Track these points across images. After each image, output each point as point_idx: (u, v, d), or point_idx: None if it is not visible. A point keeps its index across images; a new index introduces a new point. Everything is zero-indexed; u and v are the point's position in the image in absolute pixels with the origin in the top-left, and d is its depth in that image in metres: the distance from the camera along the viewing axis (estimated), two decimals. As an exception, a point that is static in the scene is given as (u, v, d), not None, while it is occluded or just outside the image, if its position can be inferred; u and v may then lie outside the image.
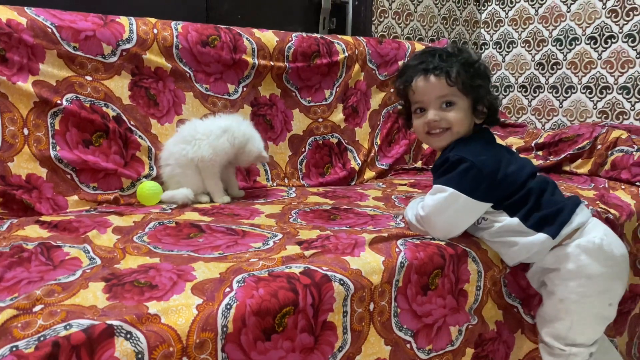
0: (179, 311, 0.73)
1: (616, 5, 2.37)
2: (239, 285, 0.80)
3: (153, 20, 1.57)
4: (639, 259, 1.51)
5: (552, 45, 2.62)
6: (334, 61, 1.91)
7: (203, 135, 1.39)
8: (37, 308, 0.71)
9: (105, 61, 1.46)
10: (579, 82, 2.53)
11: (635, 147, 1.79)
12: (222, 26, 1.71)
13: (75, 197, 1.35)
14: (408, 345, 0.99)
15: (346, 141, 1.93)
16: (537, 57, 2.69)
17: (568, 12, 2.54)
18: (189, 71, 1.60)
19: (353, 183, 1.89)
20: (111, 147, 1.42)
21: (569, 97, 2.58)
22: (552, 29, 2.61)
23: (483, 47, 2.93)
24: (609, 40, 2.41)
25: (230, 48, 1.67)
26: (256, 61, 1.72)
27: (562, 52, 2.58)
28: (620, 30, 2.37)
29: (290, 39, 1.82)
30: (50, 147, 1.33)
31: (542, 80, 2.68)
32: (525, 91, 2.76)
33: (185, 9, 1.94)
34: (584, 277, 1.03)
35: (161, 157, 1.45)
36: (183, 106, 1.59)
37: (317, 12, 2.31)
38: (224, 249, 0.98)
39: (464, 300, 1.07)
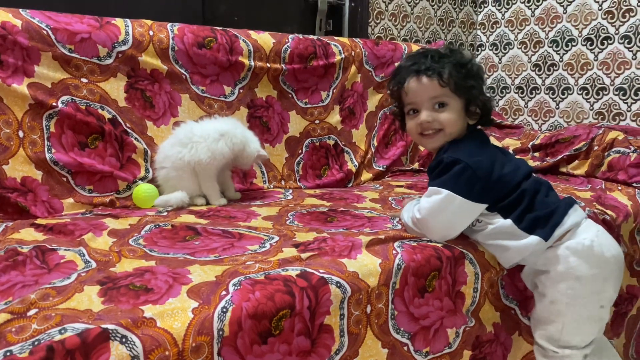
0: (174, 315, 0.73)
1: (612, 7, 2.37)
2: (235, 288, 0.80)
3: (149, 22, 1.57)
4: (636, 261, 1.51)
5: (549, 47, 2.62)
6: (330, 63, 1.91)
7: (200, 138, 1.38)
8: (32, 312, 0.71)
9: (100, 63, 1.45)
10: (576, 83, 2.53)
11: (632, 148, 1.79)
12: (218, 28, 1.71)
13: (71, 200, 1.34)
14: (405, 348, 0.98)
15: (343, 143, 1.93)
16: (534, 59, 2.69)
17: (564, 13, 2.55)
18: (185, 73, 1.60)
19: (350, 185, 1.88)
20: (107, 149, 1.41)
21: (566, 98, 2.58)
22: (549, 30, 2.62)
23: (479, 48, 2.94)
24: (605, 42, 2.42)
25: (227, 50, 1.67)
26: (252, 63, 1.72)
27: (559, 54, 2.58)
28: (617, 32, 2.37)
29: (286, 40, 1.82)
30: (46, 149, 1.33)
31: (539, 81, 2.68)
32: (522, 92, 2.76)
33: (181, 11, 1.93)
34: (574, 279, 1.03)
35: (156, 159, 1.44)
36: (179, 108, 1.58)
37: (314, 13, 2.31)
38: (220, 252, 0.97)
39: (461, 302, 1.07)
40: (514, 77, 2.79)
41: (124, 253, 0.96)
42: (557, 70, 2.60)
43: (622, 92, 2.38)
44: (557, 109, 2.62)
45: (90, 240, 1.04)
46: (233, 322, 0.75)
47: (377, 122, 2.04)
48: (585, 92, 2.50)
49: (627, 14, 2.33)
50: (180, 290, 0.79)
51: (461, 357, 1.08)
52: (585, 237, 1.04)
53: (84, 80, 1.42)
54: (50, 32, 1.37)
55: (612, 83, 2.41)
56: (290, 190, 1.67)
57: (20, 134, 1.31)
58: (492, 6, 2.85)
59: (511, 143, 2.06)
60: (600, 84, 2.45)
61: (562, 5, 2.55)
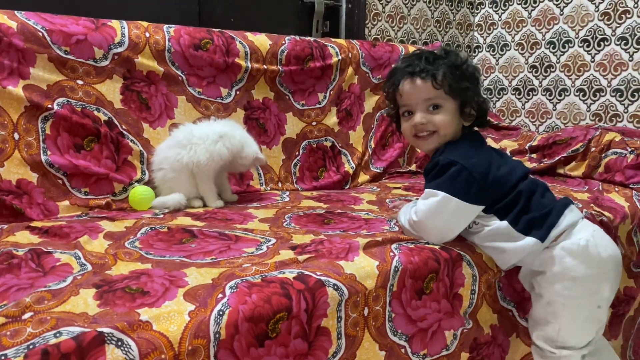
0: (170, 318, 0.72)
1: (609, 8, 2.38)
2: (232, 291, 0.79)
3: (145, 23, 1.56)
4: (634, 262, 1.51)
5: (546, 48, 2.63)
6: (327, 64, 1.91)
7: (199, 140, 1.37)
8: (27, 315, 0.70)
9: (96, 65, 1.45)
10: (573, 84, 2.53)
11: (629, 150, 1.79)
12: (215, 29, 1.70)
13: (67, 202, 1.33)
14: (403, 350, 0.98)
15: (340, 145, 1.93)
16: (531, 60, 2.70)
17: (561, 15, 2.55)
18: (181, 75, 1.59)
19: (347, 187, 1.88)
20: (103, 151, 1.41)
21: (563, 99, 2.58)
22: (545, 32, 2.62)
23: (476, 50, 2.94)
24: (602, 43, 2.42)
25: (223, 51, 1.66)
26: (249, 64, 1.71)
27: (556, 55, 2.59)
28: (613, 33, 2.37)
29: (283, 42, 1.81)
30: (41, 151, 1.32)
31: (536, 82, 2.68)
32: (519, 94, 2.76)
33: (177, 13, 1.93)
34: (569, 280, 1.03)
35: (154, 161, 1.43)
36: (175, 110, 1.58)
37: (311, 15, 2.30)
38: (217, 255, 0.97)
39: (459, 304, 1.06)
40: (511, 79, 2.79)
41: (119, 256, 0.96)
42: (554, 71, 2.60)
43: (618, 93, 2.38)
44: (554, 110, 2.62)
45: (86, 242, 1.03)
46: (230, 325, 0.74)
47: (374, 124, 2.04)
48: (582, 93, 2.51)
49: (623, 16, 2.33)
50: (177, 293, 0.78)
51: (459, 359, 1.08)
52: (580, 237, 1.04)
53: (80, 82, 1.42)
54: (45, 34, 1.37)
55: (609, 84, 2.41)
56: (287, 192, 1.67)
57: (16, 136, 1.30)
58: (489, 8, 2.85)
59: (508, 144, 2.06)
60: (597, 85, 2.45)
61: (559, 7, 2.55)
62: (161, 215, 1.29)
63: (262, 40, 1.77)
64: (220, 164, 1.40)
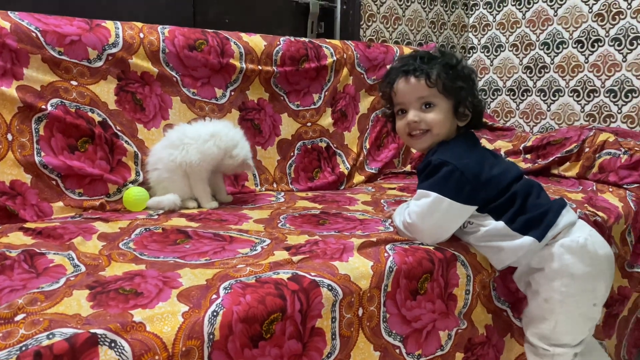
0: (164, 319, 0.72)
1: (602, 9, 2.39)
2: (226, 292, 0.79)
3: (139, 24, 1.56)
4: (628, 262, 1.51)
5: (540, 49, 2.63)
6: (322, 65, 1.91)
7: (191, 140, 1.37)
8: (19, 317, 0.70)
9: (90, 66, 1.44)
10: (567, 85, 2.54)
11: (623, 150, 1.80)
12: (210, 30, 1.70)
13: (61, 204, 1.33)
14: (397, 351, 0.98)
15: (335, 145, 1.93)
16: (525, 61, 2.70)
17: (555, 16, 2.56)
18: (175, 76, 1.59)
19: (342, 187, 1.88)
20: (97, 152, 1.40)
21: (557, 100, 2.59)
22: (540, 33, 2.63)
23: (471, 51, 2.94)
24: (595, 44, 2.43)
25: (218, 52, 1.66)
26: (244, 65, 1.71)
27: (550, 56, 2.60)
28: (607, 34, 2.38)
29: (278, 43, 1.81)
30: (35, 152, 1.32)
31: (530, 83, 2.69)
32: (513, 95, 2.77)
33: (172, 13, 1.92)
34: (568, 277, 1.03)
35: (148, 161, 1.43)
36: (170, 111, 1.57)
37: (305, 16, 2.30)
38: (211, 255, 0.97)
39: (453, 304, 1.07)
40: (506, 80, 2.80)
41: (113, 257, 0.95)
42: (548, 72, 2.61)
43: (612, 94, 2.39)
44: (549, 111, 2.63)
45: (79, 244, 1.03)
46: (224, 326, 0.74)
47: (369, 125, 2.04)
48: (576, 94, 2.52)
49: (617, 17, 2.34)
50: (171, 294, 0.78)
51: (453, 360, 1.08)
52: (579, 235, 1.05)
53: (74, 82, 1.41)
54: (39, 35, 1.36)
55: (602, 85, 2.42)
56: (282, 193, 1.66)
57: (9, 137, 1.29)
58: (484, 9, 2.86)
59: (503, 145, 2.07)
60: (590, 86, 2.46)
61: (553, 8, 2.56)
62: (156, 216, 1.29)
63: (256, 41, 1.77)
64: (213, 163, 1.39)
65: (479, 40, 2.90)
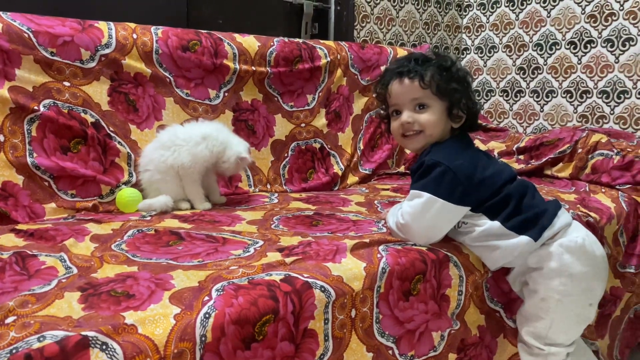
0: (156, 321, 0.72)
1: (595, 11, 2.40)
2: (218, 293, 0.79)
3: (132, 25, 1.56)
4: (620, 262, 1.52)
5: (533, 50, 2.64)
6: (316, 66, 1.91)
7: (183, 142, 1.37)
8: (10, 320, 0.69)
9: (83, 67, 1.44)
10: (560, 86, 2.55)
11: (615, 151, 1.80)
12: (203, 31, 1.70)
13: (53, 205, 1.32)
14: (390, 352, 0.98)
15: (329, 146, 1.93)
16: (518, 62, 2.71)
17: (548, 17, 2.57)
18: (169, 76, 1.59)
19: (336, 188, 1.88)
20: (90, 153, 1.40)
21: (550, 101, 2.60)
22: (533, 34, 2.64)
23: (465, 52, 2.95)
24: (588, 45, 2.44)
25: (211, 53, 1.66)
26: (237, 66, 1.71)
27: (543, 57, 2.60)
28: (599, 35, 2.39)
29: (272, 43, 1.81)
30: (27, 153, 1.31)
31: (523, 84, 2.70)
32: (507, 95, 2.78)
33: (165, 14, 1.92)
34: (566, 276, 1.04)
35: (140, 163, 1.43)
36: (163, 112, 1.57)
37: (299, 17, 2.30)
38: (204, 257, 0.96)
39: (446, 305, 1.07)
40: (499, 81, 2.80)
41: (106, 258, 0.95)
42: (541, 73, 2.62)
43: (605, 95, 2.40)
44: (542, 112, 2.64)
45: (72, 245, 1.02)
46: (216, 328, 0.74)
47: (363, 126, 2.05)
48: (569, 95, 2.53)
49: (609, 18, 2.36)
50: (163, 296, 0.78)
51: (446, 361, 1.08)
52: (577, 235, 1.06)
53: (67, 83, 1.41)
54: (31, 35, 1.36)
55: (595, 86, 2.43)
56: (276, 194, 1.66)
57: (1, 138, 1.29)
58: (477, 10, 2.87)
59: (496, 146, 2.07)
60: (583, 87, 2.47)
61: (546, 9, 2.57)
62: (148, 218, 1.29)
63: (250, 42, 1.77)
64: (204, 165, 1.39)
65: (473, 41, 2.91)
